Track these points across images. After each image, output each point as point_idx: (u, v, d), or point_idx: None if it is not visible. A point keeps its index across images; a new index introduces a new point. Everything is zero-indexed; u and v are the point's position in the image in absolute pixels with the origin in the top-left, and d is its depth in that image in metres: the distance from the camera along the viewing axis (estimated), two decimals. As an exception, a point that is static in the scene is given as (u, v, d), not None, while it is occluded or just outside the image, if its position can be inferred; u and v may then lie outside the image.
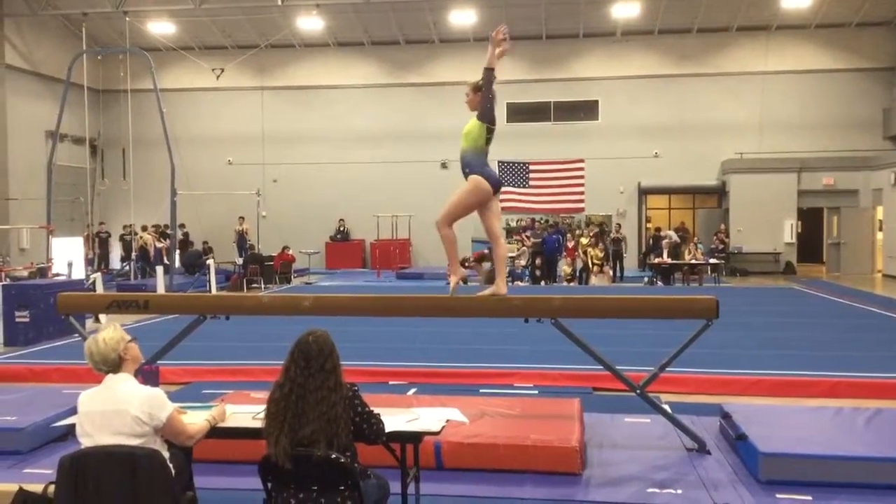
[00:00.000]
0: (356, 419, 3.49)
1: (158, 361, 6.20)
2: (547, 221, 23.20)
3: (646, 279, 20.49)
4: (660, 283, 19.91)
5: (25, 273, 17.99)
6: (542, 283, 19.76)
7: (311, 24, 23.56)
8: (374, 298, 6.57)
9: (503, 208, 9.69)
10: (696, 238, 21.76)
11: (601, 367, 5.67)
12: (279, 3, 22.17)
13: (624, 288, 18.68)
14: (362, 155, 25.48)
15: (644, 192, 24.96)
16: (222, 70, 24.44)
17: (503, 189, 7.90)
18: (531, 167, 20.10)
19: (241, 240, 22.62)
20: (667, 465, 5.29)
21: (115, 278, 19.76)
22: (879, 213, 22.61)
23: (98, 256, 22.39)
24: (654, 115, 24.45)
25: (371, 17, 24.15)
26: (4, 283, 12.96)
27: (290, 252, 21.93)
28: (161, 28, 24.20)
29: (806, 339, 10.53)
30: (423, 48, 25.42)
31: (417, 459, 4.23)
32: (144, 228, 21.16)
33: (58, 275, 16.98)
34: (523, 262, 20.59)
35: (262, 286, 19.80)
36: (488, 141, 5.36)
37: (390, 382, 8.04)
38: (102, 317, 11.06)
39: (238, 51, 25.26)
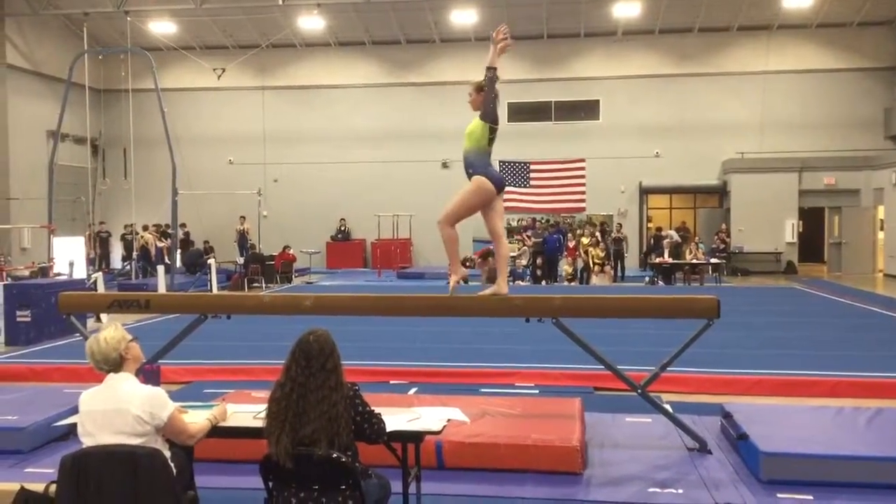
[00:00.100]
0: (357, 418, 3.48)
1: (160, 361, 6.21)
2: (548, 221, 23.20)
3: (647, 279, 20.49)
4: (661, 282, 19.90)
5: (27, 272, 18.02)
6: (543, 282, 19.76)
7: (312, 23, 23.55)
8: (374, 298, 6.56)
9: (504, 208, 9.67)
10: (697, 238, 21.78)
11: (602, 366, 5.66)
12: (280, 2, 22.17)
13: (625, 287, 18.69)
14: (363, 154, 25.48)
15: (645, 192, 24.96)
16: (223, 70, 24.42)
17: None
18: (532, 167, 20.07)
19: (242, 239, 22.66)
20: (668, 465, 5.29)
21: (116, 278, 19.78)
22: (881, 212, 22.60)
23: (99, 256, 22.38)
24: (655, 115, 24.43)
25: (372, 17, 24.15)
26: (6, 282, 12.95)
27: (291, 252, 21.95)
28: (162, 28, 24.22)
29: (807, 339, 10.52)
30: (424, 48, 25.41)
31: (418, 459, 4.22)
32: (145, 228, 21.16)
33: (59, 274, 16.97)
34: (524, 262, 20.59)
35: (263, 286, 19.81)
36: (491, 141, 5.31)
37: (391, 382, 8.04)
38: (104, 316, 11.06)
39: (239, 50, 25.27)
